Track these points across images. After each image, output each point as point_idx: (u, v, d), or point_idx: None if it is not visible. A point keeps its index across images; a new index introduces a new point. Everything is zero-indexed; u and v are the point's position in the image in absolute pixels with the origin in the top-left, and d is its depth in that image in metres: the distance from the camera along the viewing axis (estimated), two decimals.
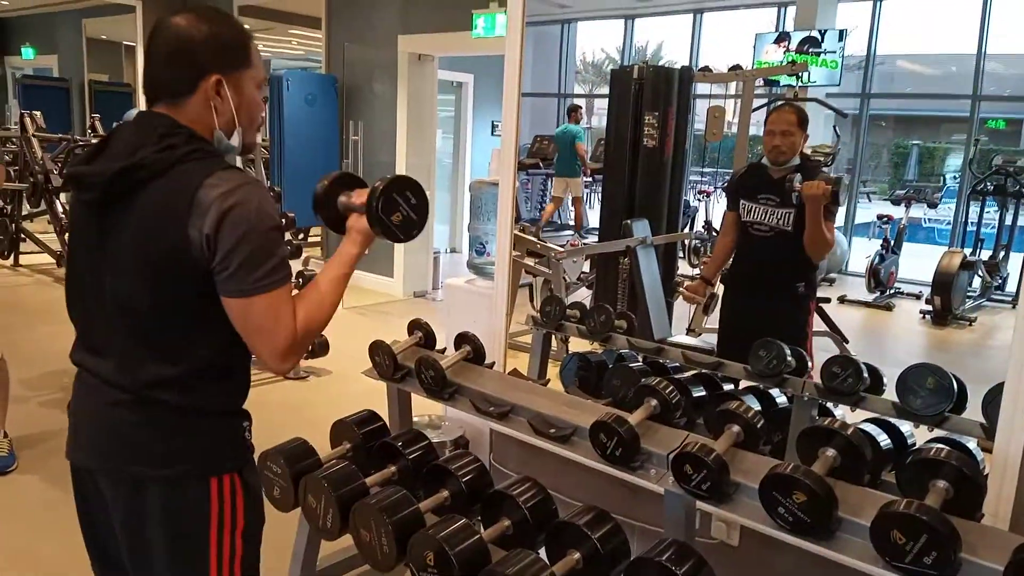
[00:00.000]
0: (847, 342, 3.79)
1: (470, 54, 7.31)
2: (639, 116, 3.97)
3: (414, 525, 1.61)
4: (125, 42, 10.23)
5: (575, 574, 1.50)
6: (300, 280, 4.65)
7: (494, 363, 2.35)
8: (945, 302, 5.11)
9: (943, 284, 5.12)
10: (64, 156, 6.77)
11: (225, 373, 1.35)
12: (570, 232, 7.46)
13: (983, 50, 6.62)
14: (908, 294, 5.85)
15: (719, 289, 3.24)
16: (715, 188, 6.86)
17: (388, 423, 2.24)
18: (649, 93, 3.96)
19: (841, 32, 6.23)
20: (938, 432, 2.03)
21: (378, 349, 2.30)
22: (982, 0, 6.53)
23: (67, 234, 1.43)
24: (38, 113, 6.94)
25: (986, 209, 6.09)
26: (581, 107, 7.80)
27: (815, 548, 1.48)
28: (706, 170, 7.19)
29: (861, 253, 6.03)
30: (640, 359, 2.84)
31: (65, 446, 1.41)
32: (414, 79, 6.57)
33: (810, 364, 2.40)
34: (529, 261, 4.09)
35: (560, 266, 3.92)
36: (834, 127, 5.88)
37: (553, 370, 3.01)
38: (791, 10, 7.18)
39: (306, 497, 1.80)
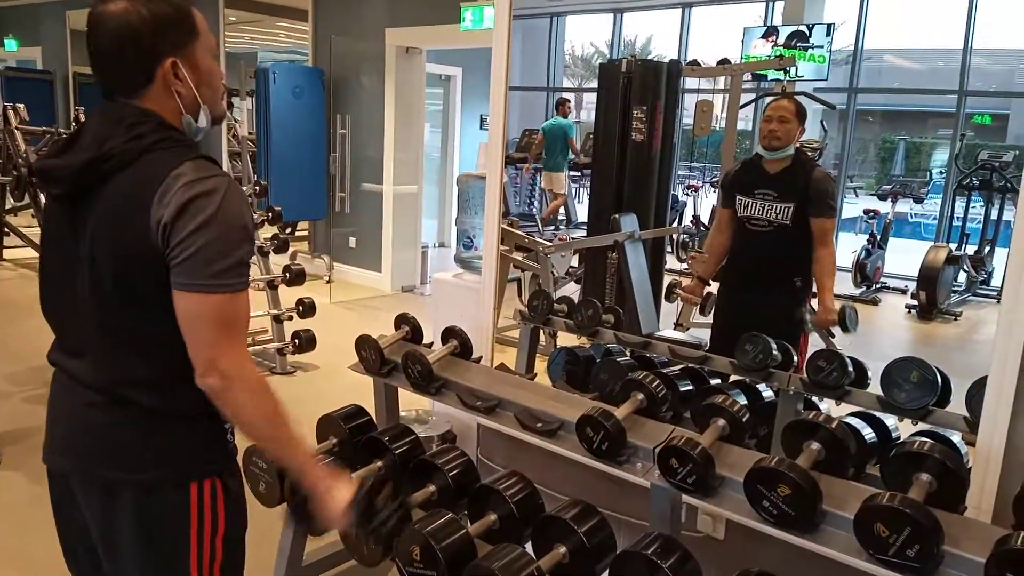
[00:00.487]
0: (833, 336, 3.80)
1: (458, 47, 7.28)
2: (627, 110, 3.97)
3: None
4: None
5: (561, 568, 1.51)
6: (287, 274, 4.63)
7: (481, 358, 2.35)
8: (930, 296, 5.14)
9: (928, 279, 5.14)
10: (47, 149, 6.71)
11: None
12: (552, 227, 7.45)
13: (969, 45, 6.65)
14: (894, 289, 5.88)
15: (713, 287, 3.26)
16: (703, 183, 6.87)
17: (375, 418, 2.23)
18: (637, 87, 3.95)
19: (829, 27, 6.25)
20: (922, 426, 2.05)
21: (365, 344, 2.30)
22: None
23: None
24: (21, 106, 6.87)
25: (972, 204, 6.12)
26: (569, 101, 7.79)
27: (799, 541, 1.49)
28: (694, 165, 7.20)
29: (847, 248, 6.05)
30: (627, 353, 2.85)
31: (42, 448, 1.39)
32: (402, 72, 6.54)
33: (796, 358, 2.41)
34: (517, 255, 4.09)
35: (548, 260, 3.91)
36: (821, 122, 5.90)
37: (541, 365, 3.01)
38: (779, 5, 7.19)
39: (292, 492, 1.80)
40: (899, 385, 2.00)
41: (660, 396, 1.85)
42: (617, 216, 3.80)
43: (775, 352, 2.30)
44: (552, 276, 4.01)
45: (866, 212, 6.16)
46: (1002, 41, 7.07)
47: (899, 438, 2.13)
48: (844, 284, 5.79)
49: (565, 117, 7.45)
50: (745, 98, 4.66)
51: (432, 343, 2.39)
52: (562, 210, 7.65)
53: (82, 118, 7.59)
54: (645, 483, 1.72)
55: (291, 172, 6.77)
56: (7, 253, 7.19)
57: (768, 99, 2.90)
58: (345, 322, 5.69)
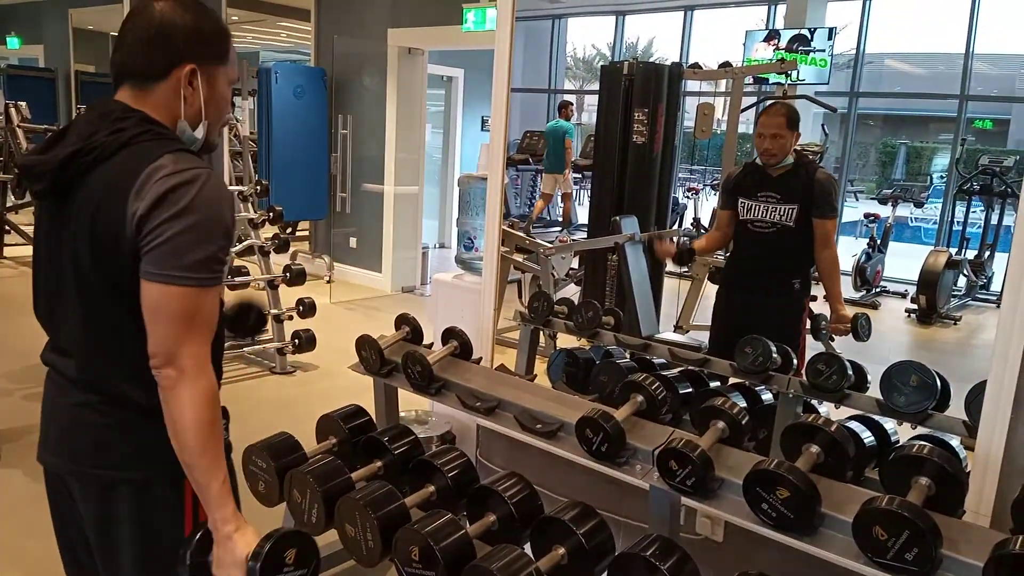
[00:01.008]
0: (833, 340, 3.81)
1: (460, 48, 7.29)
2: (629, 112, 3.97)
3: (399, 520, 1.61)
4: (112, 33, 10.12)
5: (560, 569, 1.51)
6: (287, 274, 4.63)
7: (481, 358, 2.35)
8: (930, 301, 5.14)
9: (928, 283, 5.15)
10: None
11: None
12: (558, 228, 7.46)
13: (971, 50, 6.65)
14: (894, 293, 5.88)
15: (710, 288, 3.26)
16: (704, 185, 6.88)
17: (374, 418, 2.23)
18: (639, 90, 3.96)
19: (830, 30, 6.26)
20: (921, 429, 2.05)
21: (365, 344, 2.30)
22: (970, 0, 6.57)
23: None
24: (23, 103, 6.88)
25: (972, 209, 6.13)
26: (572, 103, 7.80)
27: (798, 544, 1.49)
28: (695, 167, 7.21)
29: (848, 251, 6.05)
30: (627, 355, 2.85)
31: (37, 447, 1.39)
32: (404, 73, 6.55)
33: (796, 361, 2.41)
34: (518, 257, 4.09)
35: (548, 262, 3.91)
36: (822, 125, 5.91)
37: (540, 366, 3.02)
38: (781, 8, 7.20)
39: (291, 492, 1.80)
40: (898, 389, 2.00)
41: (660, 398, 1.85)
42: (617, 218, 3.81)
43: (775, 355, 2.30)
44: (552, 278, 4.01)
45: (866, 216, 6.16)
46: (1004, 46, 7.08)
47: (898, 442, 2.13)
48: (844, 288, 5.77)
49: (567, 119, 7.47)
50: (746, 101, 4.67)
51: (432, 344, 2.39)
52: (549, 209, 7.66)
53: (75, 117, 7.61)
54: (644, 485, 1.72)
55: (292, 172, 6.77)
56: (7, 251, 7.19)
57: (763, 107, 2.90)
58: (345, 322, 5.69)
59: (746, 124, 5.17)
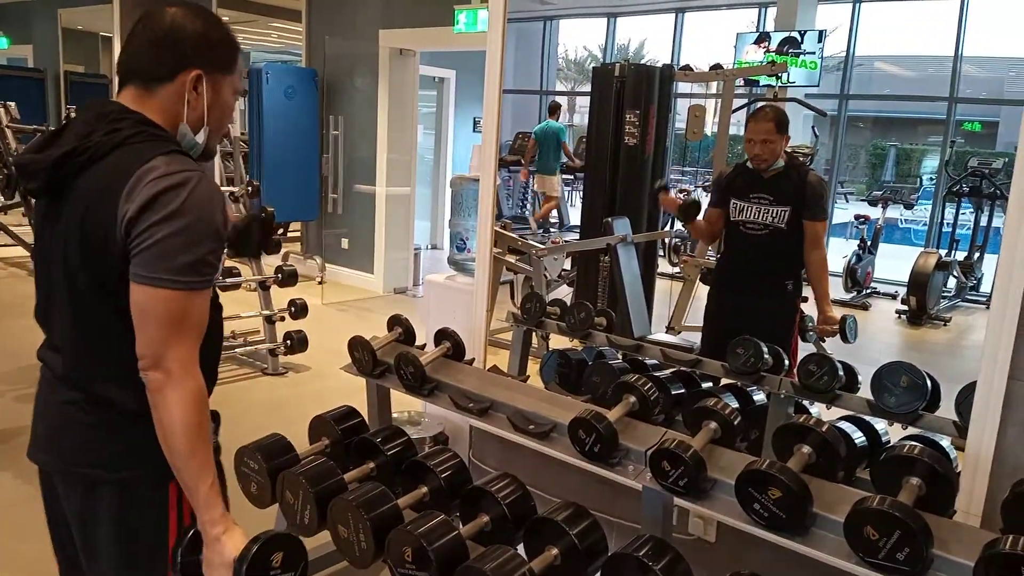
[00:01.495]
0: (824, 340, 3.83)
1: (452, 49, 7.29)
2: (620, 114, 3.98)
3: (392, 521, 1.61)
4: (102, 33, 10.09)
5: (553, 570, 1.51)
6: (279, 275, 4.62)
7: (474, 359, 2.35)
8: (920, 302, 5.17)
9: (919, 284, 5.18)
10: None
11: None
12: (542, 230, 7.46)
13: (960, 53, 6.70)
14: (884, 294, 5.91)
15: (703, 290, 3.28)
16: (695, 187, 6.89)
17: (367, 419, 2.23)
18: (630, 91, 3.97)
19: (820, 33, 6.28)
20: (912, 430, 2.06)
21: (357, 345, 2.29)
22: (959, 3, 6.62)
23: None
24: (12, 104, 6.83)
25: (962, 210, 6.16)
26: (562, 104, 7.81)
27: (790, 544, 1.49)
28: (687, 169, 7.22)
29: (838, 253, 6.08)
30: (620, 356, 2.86)
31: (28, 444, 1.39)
32: (395, 74, 6.54)
33: (788, 362, 2.42)
34: (510, 258, 4.09)
35: (541, 263, 3.92)
36: (813, 128, 5.93)
37: (533, 367, 3.02)
38: (772, 11, 7.22)
39: (283, 493, 1.79)
40: (889, 389, 2.01)
41: (652, 399, 1.85)
42: (610, 219, 3.81)
43: (766, 356, 2.31)
44: (545, 279, 4.01)
45: (857, 218, 6.19)
46: (992, 49, 7.13)
47: (889, 442, 2.14)
48: (835, 289, 5.81)
49: (557, 121, 7.48)
50: (737, 103, 4.68)
51: (425, 345, 2.39)
52: (555, 213, 7.67)
53: (73, 116, 7.57)
54: (637, 485, 1.72)
55: (283, 173, 6.75)
56: None
57: (751, 112, 2.91)
58: (337, 323, 5.68)
59: (737, 126, 5.18)
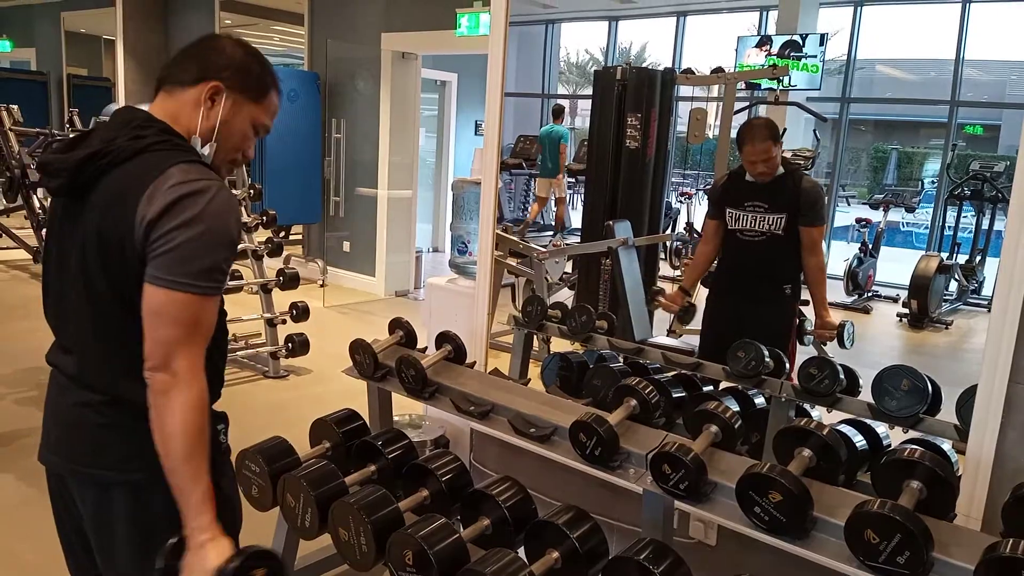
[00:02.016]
0: (825, 344, 3.83)
1: (454, 53, 7.30)
2: (622, 117, 3.99)
3: (393, 524, 1.61)
4: (104, 36, 10.11)
5: (553, 573, 1.51)
6: (280, 278, 4.62)
7: (475, 363, 2.36)
8: (922, 305, 5.16)
9: (920, 287, 5.17)
10: (42, 151, 6.69)
11: None
12: (551, 232, 7.48)
13: (961, 56, 6.70)
14: (885, 297, 5.91)
15: (703, 292, 3.27)
16: (697, 190, 6.90)
17: (368, 422, 2.23)
18: (632, 94, 3.97)
19: (822, 36, 6.29)
20: (913, 433, 2.06)
21: (359, 348, 2.30)
22: (960, 6, 6.62)
23: (44, 231, 1.42)
24: (15, 107, 6.85)
25: (963, 214, 6.16)
26: (565, 108, 7.83)
27: (790, 547, 1.50)
28: (688, 172, 7.23)
29: (839, 256, 6.08)
30: (620, 360, 2.86)
31: (39, 446, 1.40)
32: (397, 77, 6.55)
33: (788, 365, 2.42)
34: (511, 261, 4.10)
35: (542, 266, 3.92)
36: (814, 131, 5.94)
37: (534, 370, 3.02)
38: (773, 14, 7.23)
39: (284, 496, 1.80)
40: (890, 393, 2.01)
41: (653, 402, 1.85)
42: (611, 223, 3.82)
43: (767, 359, 2.31)
44: (546, 282, 4.02)
45: (858, 221, 6.19)
46: (994, 53, 7.13)
47: (890, 446, 2.14)
48: (836, 292, 5.82)
49: (561, 124, 7.49)
50: (738, 106, 4.69)
51: (426, 348, 2.39)
52: (553, 216, 7.68)
53: (76, 120, 7.59)
54: (638, 489, 1.72)
55: (286, 176, 6.76)
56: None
57: (742, 130, 2.88)
58: (339, 326, 5.68)
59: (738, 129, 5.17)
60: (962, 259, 5.96)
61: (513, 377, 2.85)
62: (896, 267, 5.83)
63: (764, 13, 7.43)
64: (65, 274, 1.30)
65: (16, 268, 6.93)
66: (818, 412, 2.35)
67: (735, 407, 2.28)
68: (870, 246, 5.94)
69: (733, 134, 4.21)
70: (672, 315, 3.56)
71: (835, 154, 7.35)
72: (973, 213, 6.10)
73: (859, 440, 2.10)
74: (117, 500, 1.31)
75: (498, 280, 3.55)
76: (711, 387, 2.61)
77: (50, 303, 1.38)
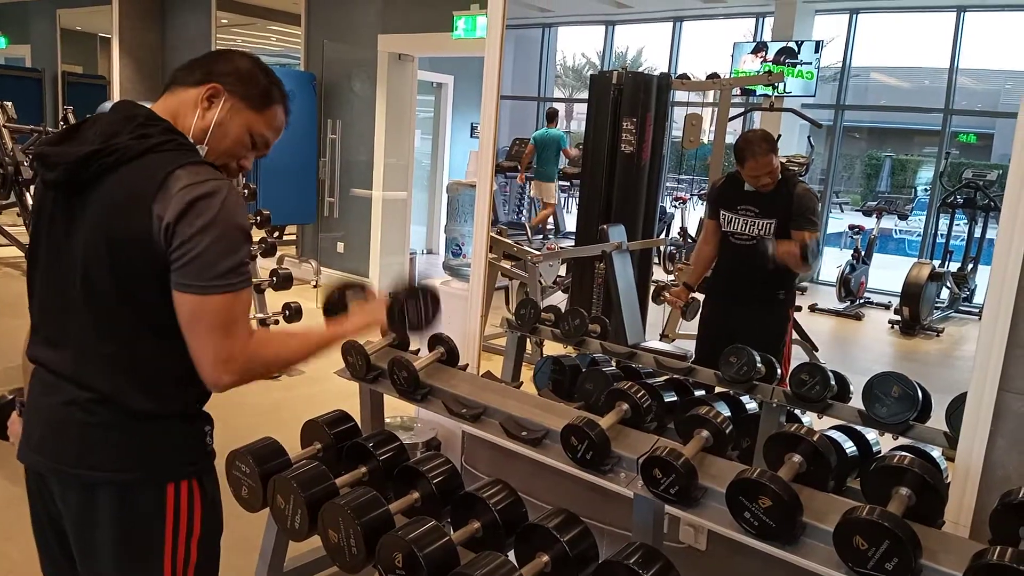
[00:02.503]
0: (816, 350, 3.84)
1: (450, 55, 7.30)
2: (617, 122, 3.99)
3: (383, 526, 1.61)
4: (100, 34, 10.08)
5: None
6: (274, 278, 4.62)
7: (468, 365, 2.36)
8: (913, 312, 5.18)
9: (912, 295, 5.19)
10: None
11: (187, 375, 1.28)
12: (541, 236, 7.47)
13: (955, 65, 6.73)
14: (877, 304, 5.93)
15: (699, 298, 3.28)
16: (691, 195, 6.91)
17: (360, 424, 2.23)
18: (627, 99, 3.98)
19: (817, 44, 6.31)
20: (903, 440, 2.07)
21: (351, 349, 2.29)
22: (955, 16, 6.66)
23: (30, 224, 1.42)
24: (9, 104, 6.82)
25: (956, 222, 6.18)
26: (559, 112, 7.83)
27: (780, 553, 1.50)
28: (683, 177, 7.24)
29: (832, 263, 6.10)
30: (613, 363, 2.86)
31: (18, 446, 1.39)
32: (393, 79, 6.55)
33: (779, 371, 2.43)
34: (505, 264, 4.10)
35: (536, 269, 3.92)
36: (808, 137, 5.96)
37: (527, 373, 3.02)
38: (769, 21, 7.25)
39: (275, 497, 1.79)
40: (881, 400, 2.02)
41: (645, 406, 1.85)
42: (605, 227, 3.82)
43: (759, 364, 2.32)
44: (540, 285, 4.02)
45: (851, 228, 6.21)
46: (988, 62, 7.17)
47: (880, 452, 2.15)
48: (828, 298, 5.83)
49: (555, 128, 7.50)
50: (734, 112, 4.70)
51: (419, 350, 2.39)
52: (550, 220, 7.68)
53: (71, 117, 7.56)
54: (628, 493, 1.72)
55: (280, 176, 6.75)
56: None
57: (741, 146, 2.86)
58: None
59: (733, 135, 5.19)
60: (954, 267, 5.99)
61: (505, 380, 2.85)
62: (888, 274, 5.85)
63: (760, 20, 7.45)
64: (62, 270, 1.29)
65: (8, 265, 6.90)
66: (809, 418, 2.35)
67: (726, 412, 2.28)
68: (863, 253, 5.96)
69: (728, 140, 4.24)
70: (667, 313, 3.57)
71: (829, 161, 7.37)
72: (965, 221, 6.12)
73: (849, 446, 2.11)
74: (102, 500, 1.29)
75: (492, 282, 3.55)
76: (703, 392, 2.62)
77: (36, 298, 1.36)
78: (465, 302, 2.80)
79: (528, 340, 3.05)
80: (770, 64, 6.25)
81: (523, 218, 7.96)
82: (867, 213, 6.43)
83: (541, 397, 2.55)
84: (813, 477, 1.58)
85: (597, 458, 1.74)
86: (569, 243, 6.16)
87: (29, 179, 6.13)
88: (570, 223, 7.27)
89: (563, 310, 2.90)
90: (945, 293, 5.62)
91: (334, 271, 7.09)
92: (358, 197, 6.85)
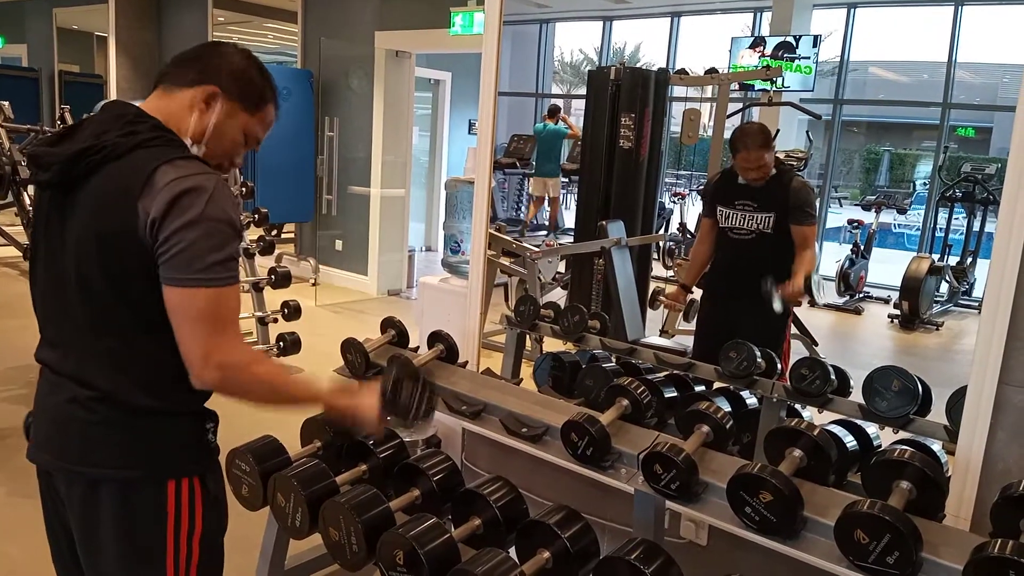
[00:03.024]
0: (816, 344, 3.84)
1: (448, 51, 7.29)
2: (615, 117, 3.99)
3: (384, 524, 1.61)
4: (97, 33, 10.06)
5: (545, 573, 1.51)
6: (272, 276, 4.61)
7: (467, 362, 2.35)
8: (913, 306, 5.18)
9: (911, 289, 5.19)
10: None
11: (186, 372, 1.27)
12: (544, 232, 7.48)
13: (954, 59, 6.73)
14: (877, 298, 5.93)
15: (696, 293, 3.28)
16: (690, 190, 6.91)
17: None
18: (625, 94, 3.98)
19: (815, 38, 6.30)
20: (903, 434, 2.07)
21: (350, 347, 2.29)
22: (953, 9, 6.65)
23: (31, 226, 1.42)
24: (6, 103, 6.80)
25: (954, 216, 6.18)
26: (560, 109, 7.83)
27: (781, 547, 1.50)
28: (681, 172, 7.24)
29: (831, 257, 6.10)
30: (613, 360, 2.86)
31: (28, 444, 1.39)
32: (391, 76, 6.54)
33: (780, 365, 2.43)
34: (504, 260, 4.10)
35: (535, 266, 3.92)
36: (807, 132, 5.96)
37: (526, 370, 3.02)
38: (767, 16, 7.25)
39: (275, 496, 1.79)
40: (881, 394, 2.02)
41: (645, 402, 1.85)
42: (604, 223, 3.82)
43: (759, 360, 2.32)
44: (539, 281, 4.02)
45: (850, 222, 6.21)
46: (986, 55, 7.16)
47: (880, 446, 2.15)
48: (828, 293, 5.83)
49: (555, 124, 7.50)
50: (732, 107, 4.70)
51: (418, 347, 2.39)
52: (547, 215, 7.69)
53: (67, 117, 7.55)
54: (629, 489, 1.72)
55: (278, 174, 6.75)
56: None
57: (735, 137, 2.87)
58: (330, 325, 5.67)
59: (732, 130, 5.19)
60: (953, 261, 5.99)
61: (505, 377, 2.85)
62: (888, 268, 5.85)
63: (758, 14, 7.45)
64: (57, 269, 1.29)
65: (6, 265, 6.88)
66: (809, 412, 2.35)
67: (727, 407, 2.28)
68: (862, 247, 5.96)
69: (726, 135, 4.23)
70: (668, 314, 3.56)
71: (828, 155, 7.37)
72: (964, 215, 6.12)
73: (849, 440, 2.11)
74: (104, 498, 1.30)
75: (491, 279, 3.54)
76: (703, 387, 2.62)
77: (39, 298, 1.37)
78: (464, 299, 2.80)
79: (528, 337, 3.05)
80: (768, 59, 6.24)
81: (522, 214, 7.97)
82: (866, 207, 6.43)
83: (541, 394, 2.55)
84: (814, 471, 1.58)
85: (597, 454, 1.74)
86: (568, 239, 6.16)
87: (27, 179, 6.11)
88: (569, 219, 7.27)
89: (562, 306, 2.89)
90: (944, 287, 5.63)
91: (333, 269, 7.09)
92: (356, 194, 6.84)
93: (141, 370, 1.28)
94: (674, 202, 7.02)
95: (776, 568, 1.80)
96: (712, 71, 4.59)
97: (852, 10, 7.16)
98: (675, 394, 2.48)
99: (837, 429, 2.13)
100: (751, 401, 2.49)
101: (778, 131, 4.01)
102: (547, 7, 9.01)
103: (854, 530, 1.38)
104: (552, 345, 3.15)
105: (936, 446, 2.02)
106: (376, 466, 1.92)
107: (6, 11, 10.95)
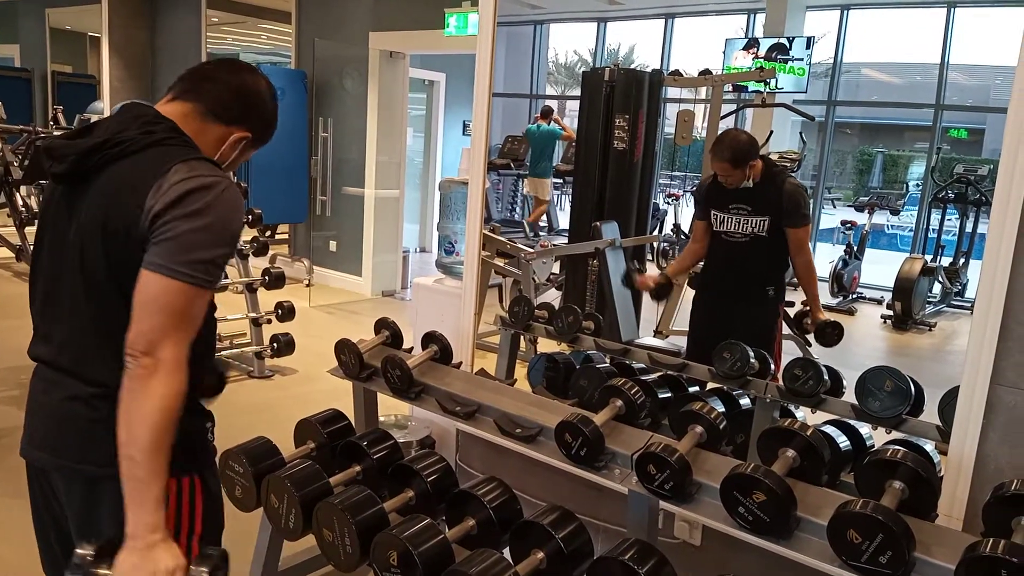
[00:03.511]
0: (810, 345, 3.85)
1: (442, 52, 7.29)
2: (610, 118, 4.00)
3: (378, 525, 1.61)
4: (90, 33, 10.03)
5: (539, 573, 1.51)
6: (266, 277, 4.60)
7: (461, 363, 2.36)
8: (906, 307, 5.20)
9: (904, 290, 5.21)
10: (25, 148, 6.62)
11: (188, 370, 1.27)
12: (533, 234, 7.46)
13: (946, 60, 6.76)
14: (870, 299, 5.94)
15: (689, 293, 3.29)
16: (684, 192, 6.92)
17: (353, 422, 2.23)
18: (620, 96, 3.98)
19: (809, 40, 6.32)
20: (896, 434, 2.07)
21: (344, 348, 2.29)
22: (945, 11, 6.68)
23: (36, 222, 1.42)
24: None
25: (947, 217, 6.21)
26: (553, 110, 7.84)
27: (774, 547, 1.50)
28: (675, 174, 7.25)
29: (824, 258, 6.12)
30: (607, 360, 2.86)
31: (20, 443, 1.38)
32: (385, 76, 6.54)
33: (772, 366, 2.43)
34: (499, 261, 4.09)
35: (530, 267, 3.92)
36: (800, 133, 5.97)
37: (521, 370, 3.02)
38: (760, 17, 7.27)
39: (268, 497, 1.79)
40: (873, 394, 2.03)
41: (639, 403, 1.86)
42: (598, 224, 3.82)
43: (752, 360, 2.32)
44: (533, 282, 4.02)
45: (843, 223, 6.22)
46: (978, 57, 7.19)
47: (873, 446, 2.15)
48: (821, 294, 5.84)
49: (549, 125, 7.50)
50: (726, 108, 4.71)
51: (412, 348, 2.39)
52: (544, 217, 7.68)
53: (60, 117, 7.53)
54: (623, 489, 1.73)
55: (272, 175, 6.73)
56: None
57: (715, 141, 2.91)
58: (324, 326, 5.66)
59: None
60: (946, 262, 6.01)
61: (499, 377, 2.85)
62: (881, 269, 5.86)
63: (752, 16, 7.47)
64: (61, 262, 1.30)
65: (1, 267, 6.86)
66: (802, 413, 2.36)
67: (720, 408, 2.29)
68: (855, 248, 5.98)
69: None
70: (661, 310, 3.57)
71: (821, 156, 7.39)
72: (957, 216, 6.14)
73: (842, 441, 2.11)
74: (104, 495, 1.29)
75: (485, 280, 3.54)
76: (697, 388, 2.62)
77: (39, 292, 1.36)
78: (458, 300, 2.79)
79: (522, 337, 3.05)
80: (762, 60, 6.26)
81: (516, 215, 7.96)
82: (859, 209, 6.45)
83: (535, 394, 2.55)
84: (807, 471, 1.59)
85: (591, 454, 1.74)
86: (562, 240, 6.16)
87: (19, 180, 6.09)
88: (563, 220, 7.28)
89: (557, 307, 2.89)
90: (937, 288, 5.64)
91: (327, 270, 7.08)
92: (350, 195, 6.84)
93: None
94: (668, 203, 7.03)
95: (769, 568, 1.80)
96: (706, 72, 4.60)
97: (845, 12, 7.19)
98: (669, 395, 2.48)
99: (830, 429, 2.14)
100: (744, 402, 2.50)
101: (771, 133, 4.02)
102: (541, 8, 9.02)
103: (847, 530, 1.38)
104: (546, 346, 3.15)
105: (929, 446, 2.03)
106: (370, 467, 1.91)
107: None
